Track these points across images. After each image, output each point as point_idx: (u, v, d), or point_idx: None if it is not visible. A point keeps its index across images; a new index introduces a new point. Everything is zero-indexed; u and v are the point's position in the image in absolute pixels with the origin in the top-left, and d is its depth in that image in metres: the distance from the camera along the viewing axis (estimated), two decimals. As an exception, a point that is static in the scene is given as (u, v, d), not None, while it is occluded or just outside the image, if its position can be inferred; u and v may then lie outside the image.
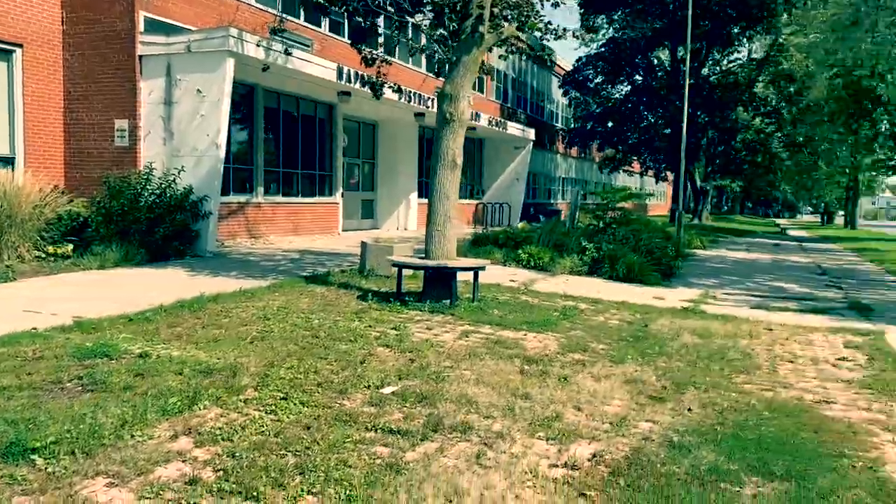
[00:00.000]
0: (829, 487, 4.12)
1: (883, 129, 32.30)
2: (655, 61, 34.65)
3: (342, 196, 20.37)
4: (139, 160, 13.26)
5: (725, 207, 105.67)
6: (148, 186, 12.21)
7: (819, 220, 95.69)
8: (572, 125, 36.65)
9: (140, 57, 13.21)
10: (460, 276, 9.43)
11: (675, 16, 30.20)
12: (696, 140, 31.55)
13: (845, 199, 70.72)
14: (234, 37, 12.46)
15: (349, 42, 12.69)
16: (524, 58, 36.03)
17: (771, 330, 9.11)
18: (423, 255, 9.02)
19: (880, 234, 45.01)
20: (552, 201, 40.47)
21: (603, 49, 34.34)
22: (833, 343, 8.47)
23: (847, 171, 51.65)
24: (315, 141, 19.36)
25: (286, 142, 18.22)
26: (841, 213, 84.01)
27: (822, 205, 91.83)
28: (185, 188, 12.76)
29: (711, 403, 5.63)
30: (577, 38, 12.86)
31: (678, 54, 32.71)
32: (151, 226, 11.72)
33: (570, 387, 5.79)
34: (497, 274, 12.70)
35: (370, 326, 7.37)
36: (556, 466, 4.25)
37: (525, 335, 7.60)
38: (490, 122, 25.44)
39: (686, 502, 3.84)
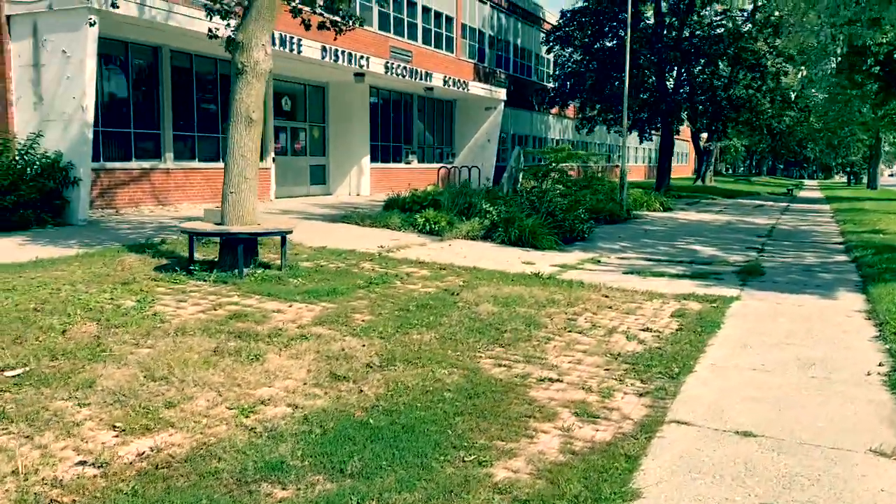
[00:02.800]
0: (386, 488, 3.45)
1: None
2: (641, 16, 32.99)
3: (274, 161, 19.73)
4: (12, 126, 12.78)
5: (756, 169, 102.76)
6: (5, 153, 11.72)
7: (846, 180, 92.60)
8: (556, 84, 35.32)
9: (8, 17, 12.66)
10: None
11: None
12: (678, 98, 30.06)
13: (869, 157, 68.04)
14: (94, -7, 11.81)
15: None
16: (505, 14, 34.76)
17: (606, 297, 8.34)
18: (220, 222, 8.37)
19: (888, 194, 43.13)
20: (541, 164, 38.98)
21: (586, 3, 32.81)
22: (662, 311, 7.69)
23: (868, 128, 49.31)
24: (239, 104, 18.69)
25: (203, 104, 17.60)
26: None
27: (850, 165, 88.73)
28: (54, 154, 12.29)
29: (398, 383, 4.96)
30: None
31: (661, 7, 31.11)
32: (2, 193, 11.25)
33: (251, 367, 5.16)
34: (372, 238, 12.02)
35: (113, 299, 6.79)
36: (84, 464, 3.65)
37: (290, 307, 6.96)
38: (446, 82, 24.49)
39: (173, 510, 3.21)
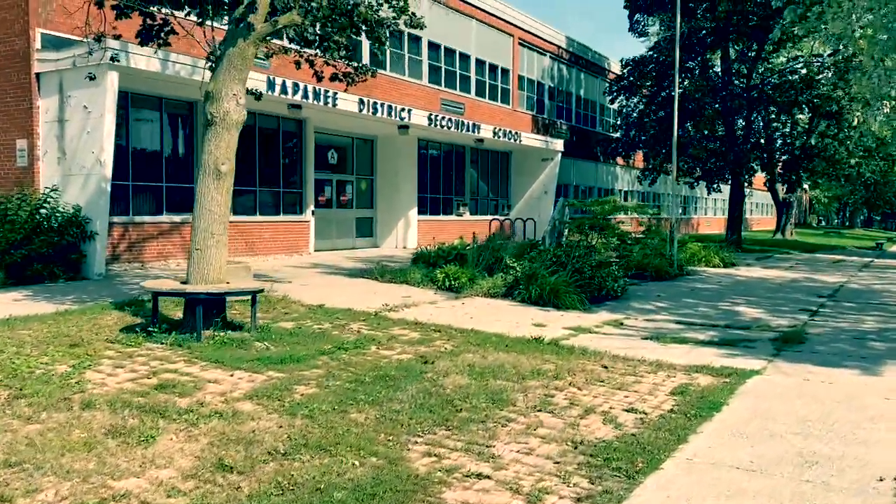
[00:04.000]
0: None
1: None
2: (708, 63, 31.88)
3: (314, 213, 19.54)
4: (38, 180, 12.98)
5: (849, 222, 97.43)
6: (24, 207, 11.82)
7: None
8: (619, 134, 34.39)
9: (38, 75, 12.96)
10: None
11: (723, 16, 27.54)
12: (746, 147, 28.52)
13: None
14: (114, 49, 11.91)
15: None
16: (566, 65, 34.26)
17: (605, 367, 7.41)
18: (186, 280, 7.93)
19: None
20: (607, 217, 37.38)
21: (651, 52, 31.95)
22: (662, 387, 6.71)
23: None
24: (278, 157, 18.69)
25: (239, 158, 17.56)
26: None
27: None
28: (73, 208, 12.35)
29: (289, 477, 4.26)
30: (416, 27, 9.97)
31: (729, 54, 29.92)
32: (15, 248, 11.28)
33: (134, 451, 4.58)
34: (383, 296, 11.42)
35: (49, 363, 6.39)
36: None
37: (231, 376, 6.38)
38: (496, 133, 24.01)
39: None
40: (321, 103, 16.59)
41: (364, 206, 23.07)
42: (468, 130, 22.65)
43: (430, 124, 20.71)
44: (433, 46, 24.50)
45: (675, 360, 7.90)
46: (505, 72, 29.05)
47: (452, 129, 21.77)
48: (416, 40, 23.62)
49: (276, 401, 5.72)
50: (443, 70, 25.05)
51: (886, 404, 6.30)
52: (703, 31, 29.66)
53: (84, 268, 12.46)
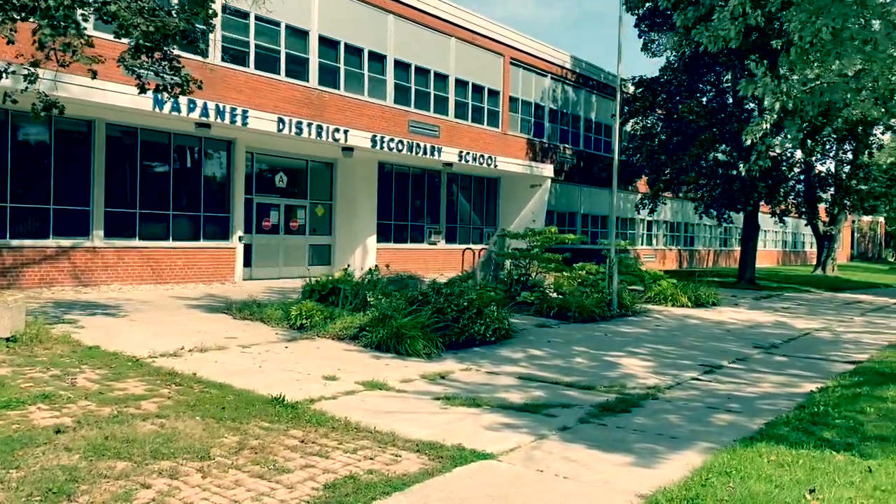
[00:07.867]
0: None
1: None
2: (722, 85, 29.72)
3: (241, 240, 18.47)
4: None
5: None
6: None
7: None
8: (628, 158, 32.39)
9: None
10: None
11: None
12: (751, 176, 26.12)
13: None
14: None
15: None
16: (572, 86, 32.56)
17: (302, 443, 5.91)
18: None
19: None
20: (626, 246, 34.84)
21: (660, 74, 29.98)
22: (329, 475, 5.18)
23: None
24: (198, 179, 17.73)
25: (149, 181, 16.68)
26: None
27: None
28: None
29: None
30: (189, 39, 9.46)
31: (746, 74, 27.69)
32: None
33: None
34: (203, 334, 10.14)
35: None
36: None
37: None
38: (462, 157, 22.55)
39: None
40: (226, 121, 15.57)
41: (322, 233, 21.93)
42: (426, 154, 21.29)
43: (374, 146, 19.47)
44: (401, 65, 23.33)
45: (416, 432, 6.31)
46: (493, 93, 27.60)
47: (404, 150, 20.45)
48: (378, 59, 22.51)
49: None
50: (412, 90, 23.80)
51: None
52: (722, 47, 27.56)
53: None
